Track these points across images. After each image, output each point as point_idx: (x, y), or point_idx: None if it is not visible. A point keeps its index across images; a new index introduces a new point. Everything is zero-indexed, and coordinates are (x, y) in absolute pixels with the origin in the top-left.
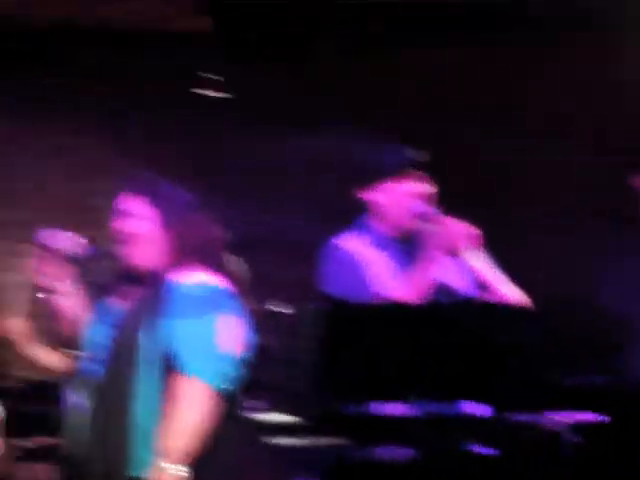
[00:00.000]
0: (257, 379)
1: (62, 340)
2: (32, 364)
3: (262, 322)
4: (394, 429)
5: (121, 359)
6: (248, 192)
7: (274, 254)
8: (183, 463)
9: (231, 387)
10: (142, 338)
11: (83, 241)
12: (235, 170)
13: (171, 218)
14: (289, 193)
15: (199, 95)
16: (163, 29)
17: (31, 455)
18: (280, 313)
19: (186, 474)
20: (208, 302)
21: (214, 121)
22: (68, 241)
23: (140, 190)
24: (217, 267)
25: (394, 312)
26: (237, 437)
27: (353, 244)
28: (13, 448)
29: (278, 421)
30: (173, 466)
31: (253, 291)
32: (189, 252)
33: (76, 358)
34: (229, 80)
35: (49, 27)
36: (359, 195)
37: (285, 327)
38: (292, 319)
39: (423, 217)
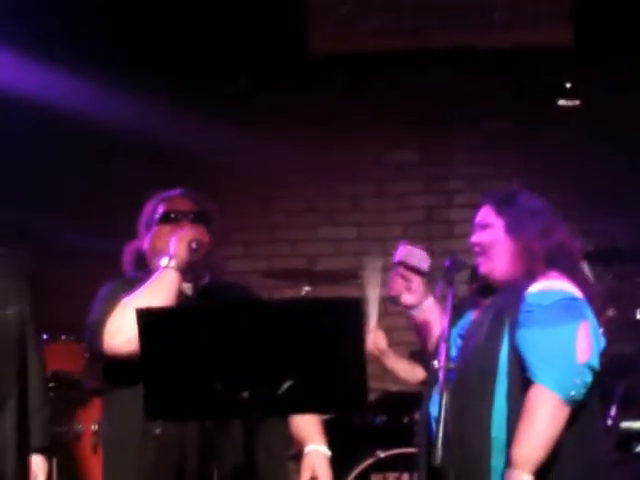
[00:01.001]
0: (615, 387)
1: (423, 352)
2: (391, 376)
3: (620, 330)
4: None
5: (473, 368)
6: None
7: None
8: (531, 472)
9: (587, 396)
10: (495, 347)
11: (438, 254)
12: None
13: (524, 228)
14: None
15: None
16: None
17: (389, 464)
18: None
19: None
20: (562, 311)
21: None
22: (425, 255)
23: (495, 202)
24: (571, 275)
25: None
26: (600, 446)
27: None
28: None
29: None
30: (525, 476)
31: (610, 300)
32: (542, 261)
33: (434, 369)
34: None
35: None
36: None
37: None
38: None
39: None
